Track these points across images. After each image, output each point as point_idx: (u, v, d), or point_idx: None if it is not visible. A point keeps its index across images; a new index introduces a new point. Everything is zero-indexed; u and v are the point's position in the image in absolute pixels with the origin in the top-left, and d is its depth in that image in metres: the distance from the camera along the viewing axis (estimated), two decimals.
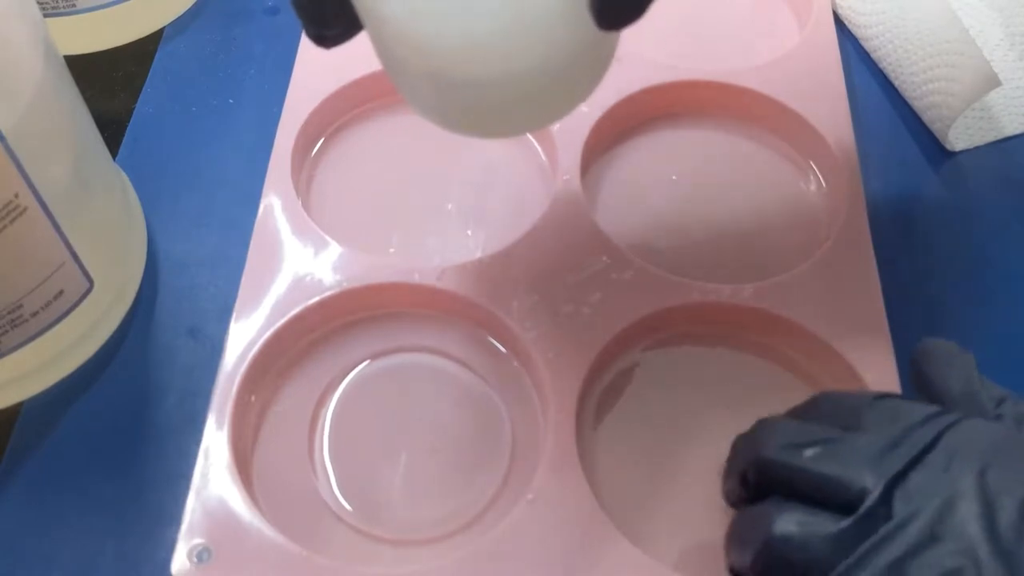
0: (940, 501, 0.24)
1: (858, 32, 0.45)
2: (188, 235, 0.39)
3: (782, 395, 0.34)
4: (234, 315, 0.34)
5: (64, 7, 0.42)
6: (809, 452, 0.26)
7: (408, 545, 0.32)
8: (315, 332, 0.35)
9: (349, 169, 0.40)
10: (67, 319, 0.33)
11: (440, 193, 0.39)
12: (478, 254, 0.36)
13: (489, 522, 0.32)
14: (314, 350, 0.35)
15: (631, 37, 0.42)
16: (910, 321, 0.37)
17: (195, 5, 0.47)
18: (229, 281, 0.36)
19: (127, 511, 0.33)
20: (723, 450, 0.33)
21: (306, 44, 0.42)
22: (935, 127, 0.42)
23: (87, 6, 0.42)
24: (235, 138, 0.42)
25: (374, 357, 0.35)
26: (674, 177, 0.40)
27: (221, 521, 0.30)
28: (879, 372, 0.33)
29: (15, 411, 0.35)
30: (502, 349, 0.35)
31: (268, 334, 0.34)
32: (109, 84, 0.44)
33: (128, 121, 0.43)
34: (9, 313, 0.31)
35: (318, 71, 0.41)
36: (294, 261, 0.36)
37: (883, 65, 0.44)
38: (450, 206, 0.39)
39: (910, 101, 0.43)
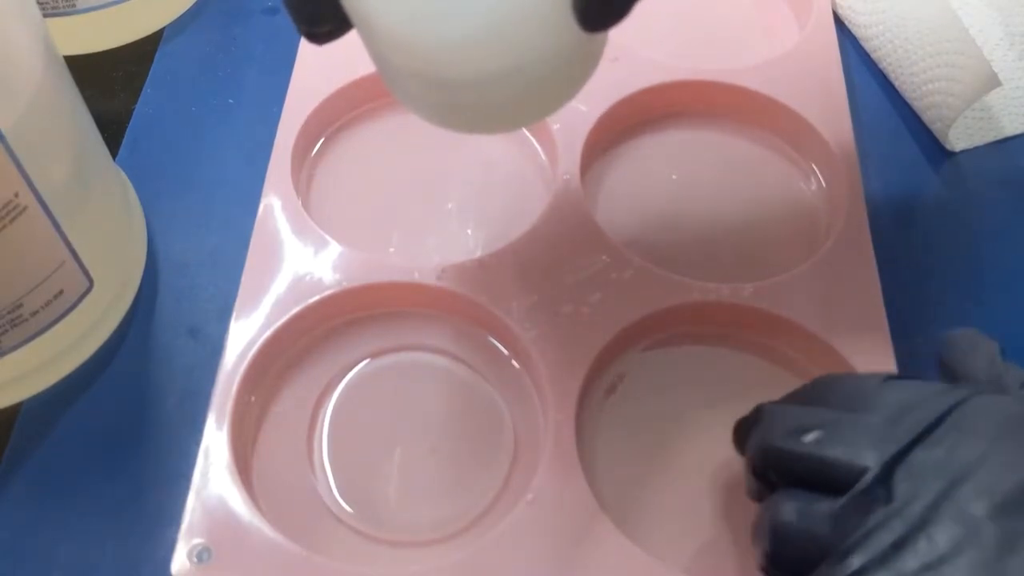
0: (943, 480, 0.23)
1: (858, 32, 0.45)
2: (188, 235, 0.39)
3: (782, 394, 0.35)
4: (234, 315, 0.34)
5: (64, 7, 0.42)
6: (811, 436, 0.26)
7: (408, 546, 0.32)
8: (315, 331, 0.35)
9: (349, 169, 0.40)
10: (67, 319, 0.33)
11: (440, 193, 0.39)
12: (478, 254, 0.36)
13: (490, 523, 0.32)
14: (314, 350, 0.35)
15: (631, 37, 0.43)
16: (910, 321, 0.37)
17: (195, 5, 0.47)
18: (229, 281, 0.36)
19: (127, 511, 0.33)
20: (723, 450, 0.33)
21: (306, 44, 0.42)
22: (935, 127, 0.42)
23: (87, 6, 0.42)
24: (235, 138, 0.42)
25: (374, 356, 0.35)
26: (674, 177, 0.40)
27: (221, 521, 0.30)
28: (879, 371, 0.33)
29: (15, 411, 0.35)
30: (502, 349, 0.35)
31: (268, 334, 0.34)
32: (109, 84, 0.44)
33: (128, 121, 0.43)
34: (9, 313, 0.31)
35: (318, 71, 0.41)
36: (294, 261, 0.36)
37: (883, 65, 0.44)
38: (450, 206, 0.39)
39: (910, 101, 0.43)
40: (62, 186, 0.31)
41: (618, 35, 0.42)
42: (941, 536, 0.23)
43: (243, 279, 0.35)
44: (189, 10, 0.47)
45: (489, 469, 0.33)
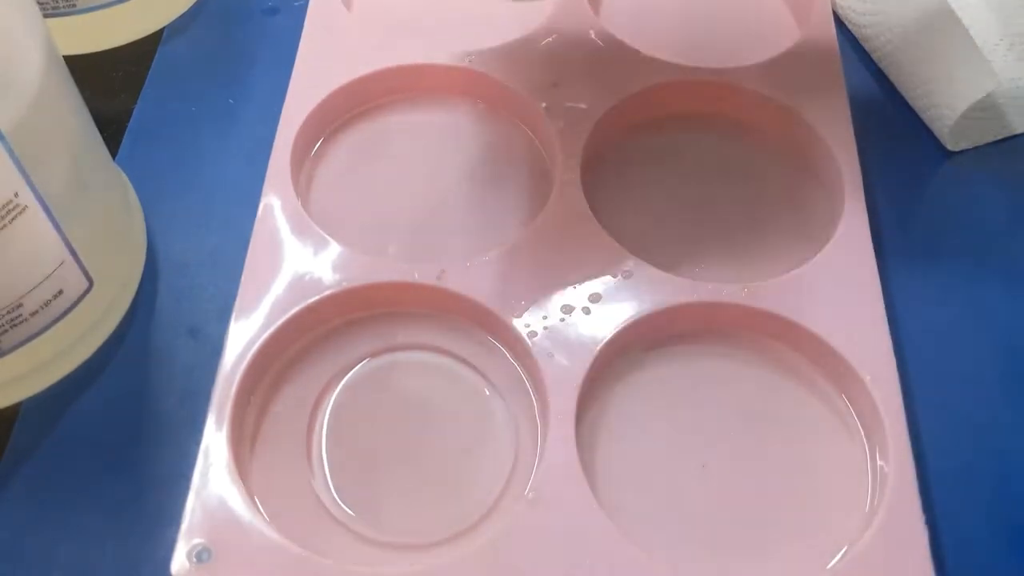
0: None
1: (858, 32, 0.46)
2: (188, 235, 0.39)
3: (782, 395, 0.35)
4: (234, 315, 0.34)
5: (64, 7, 0.42)
6: None
7: (409, 548, 0.32)
8: (315, 331, 0.35)
9: (349, 169, 0.40)
10: (66, 319, 0.33)
11: (440, 193, 0.39)
12: (478, 254, 0.36)
13: (490, 524, 0.32)
14: (314, 350, 0.35)
15: (632, 37, 0.43)
16: (910, 321, 0.37)
17: (195, 5, 0.47)
18: (229, 281, 0.36)
19: (127, 511, 0.33)
20: (723, 450, 0.33)
21: (306, 44, 0.42)
22: (935, 127, 0.42)
23: (87, 6, 0.42)
24: (235, 138, 0.42)
25: (373, 356, 0.35)
26: (674, 177, 0.40)
27: (221, 521, 0.30)
28: (879, 372, 0.33)
29: (14, 411, 0.35)
30: (502, 349, 0.35)
31: (268, 334, 0.34)
32: (109, 84, 0.44)
33: (128, 121, 0.43)
34: (8, 312, 0.31)
35: (318, 71, 0.41)
36: (294, 261, 0.36)
37: (883, 65, 0.44)
38: (450, 206, 0.39)
39: (910, 101, 0.43)
40: (62, 186, 0.31)
41: (618, 35, 0.42)
42: None
43: (243, 279, 0.35)
44: (189, 10, 0.46)
45: (489, 470, 0.33)
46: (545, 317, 0.34)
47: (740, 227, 0.39)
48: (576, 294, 0.35)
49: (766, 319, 0.35)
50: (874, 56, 0.45)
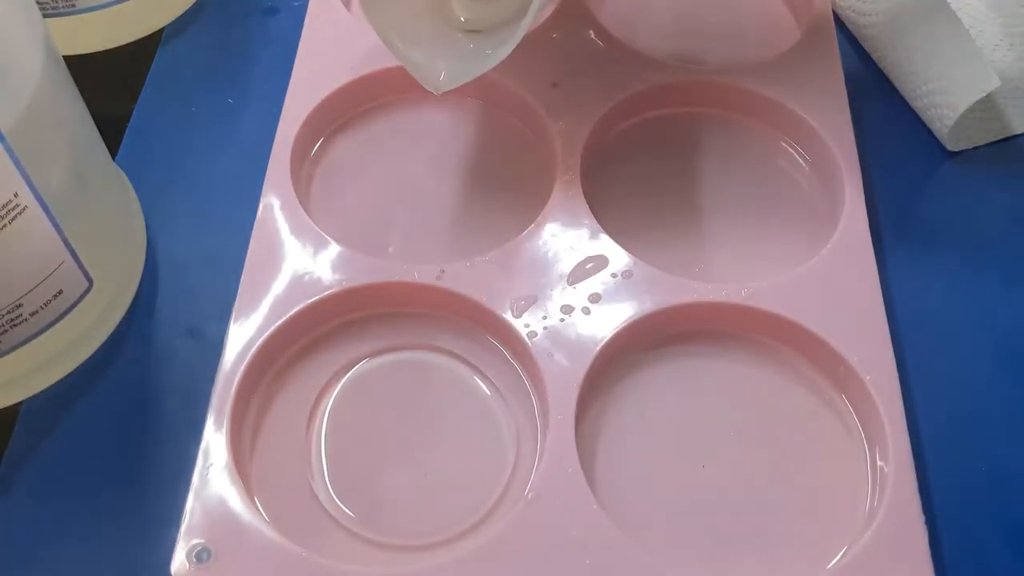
0: None
1: (858, 32, 0.45)
2: (188, 235, 0.39)
3: (782, 395, 0.35)
4: (234, 315, 0.34)
5: (64, 7, 0.42)
6: None
7: (408, 550, 0.32)
8: (315, 331, 0.35)
9: (349, 169, 0.40)
10: (66, 319, 0.33)
11: (440, 193, 0.39)
12: (478, 254, 0.36)
13: (490, 525, 0.32)
14: (313, 350, 0.35)
15: (632, 37, 0.43)
16: (910, 321, 0.37)
17: (195, 5, 0.47)
18: (229, 281, 0.36)
19: (127, 511, 0.33)
20: (723, 450, 0.33)
21: (306, 44, 0.42)
22: (935, 127, 0.42)
23: (87, 6, 0.42)
24: (235, 138, 0.42)
25: (373, 356, 0.35)
26: (674, 177, 0.40)
27: (221, 521, 0.30)
28: (879, 372, 0.33)
29: (14, 411, 0.35)
30: (502, 349, 0.35)
31: (267, 334, 0.34)
32: (109, 84, 0.44)
33: (128, 121, 0.43)
34: (8, 313, 0.31)
35: (318, 71, 0.41)
36: (294, 261, 0.36)
37: (883, 65, 0.44)
38: (450, 205, 0.39)
39: (910, 101, 0.43)
40: (62, 186, 0.31)
41: (618, 35, 0.42)
42: None
43: (243, 279, 0.35)
44: (189, 10, 0.46)
45: (489, 470, 0.33)
46: (545, 317, 0.34)
47: (740, 227, 0.39)
48: (576, 294, 0.35)
49: (766, 319, 0.35)
50: (874, 56, 0.45)
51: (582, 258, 0.36)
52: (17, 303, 0.31)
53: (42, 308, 0.32)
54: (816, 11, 0.44)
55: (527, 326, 0.34)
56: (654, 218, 0.39)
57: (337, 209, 0.39)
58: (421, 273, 0.35)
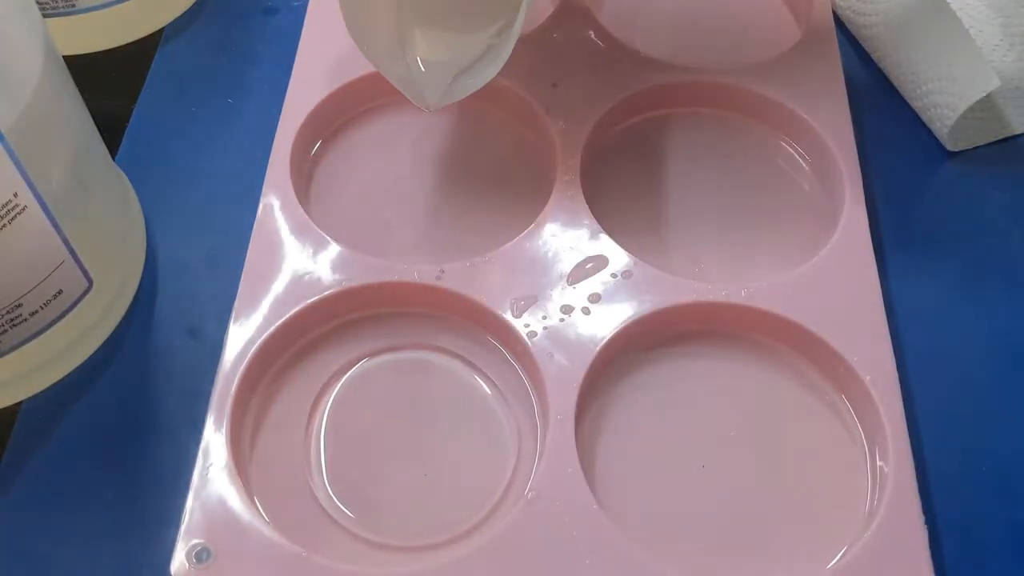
0: None
1: (858, 32, 0.46)
2: (188, 235, 0.39)
3: (782, 395, 0.35)
4: (233, 315, 0.34)
5: (64, 7, 0.42)
6: None
7: (408, 550, 0.32)
8: (315, 331, 0.35)
9: (349, 169, 0.40)
10: (66, 318, 0.33)
11: (440, 192, 0.39)
12: (478, 254, 0.36)
13: (490, 525, 0.32)
14: (313, 350, 0.35)
15: (632, 37, 0.43)
16: (910, 321, 0.37)
17: (195, 5, 0.47)
18: (229, 281, 0.36)
19: (126, 511, 0.33)
20: (723, 450, 0.33)
21: (306, 44, 0.42)
22: (935, 127, 0.42)
23: (87, 6, 0.42)
24: (235, 138, 0.42)
25: (373, 356, 0.35)
26: (674, 177, 0.40)
27: (220, 521, 0.30)
28: (879, 372, 0.33)
29: (14, 411, 0.35)
30: (502, 349, 0.35)
31: (267, 334, 0.34)
32: (109, 84, 0.44)
33: (128, 121, 0.43)
34: (8, 312, 0.31)
35: (318, 71, 0.41)
36: (294, 261, 0.36)
37: (883, 65, 0.44)
38: (450, 205, 0.39)
39: (910, 101, 0.43)
40: (62, 186, 0.31)
41: (618, 35, 0.42)
42: None
43: (243, 279, 0.35)
44: (189, 10, 0.47)
45: (489, 470, 0.33)
46: (545, 317, 0.34)
47: (740, 227, 0.39)
48: (576, 294, 0.35)
49: (766, 319, 0.35)
50: (874, 56, 0.45)
51: (582, 258, 0.36)
52: (17, 303, 0.31)
53: (42, 308, 0.32)
54: (816, 11, 0.44)
55: (527, 326, 0.34)
56: (654, 218, 0.39)
57: (337, 209, 0.39)
58: (421, 273, 0.35)
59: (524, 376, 0.34)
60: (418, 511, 0.32)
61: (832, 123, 0.40)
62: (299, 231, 0.36)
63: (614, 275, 0.35)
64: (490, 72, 0.35)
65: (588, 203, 0.37)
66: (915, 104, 0.43)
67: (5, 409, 0.35)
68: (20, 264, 0.31)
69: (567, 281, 0.35)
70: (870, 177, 0.40)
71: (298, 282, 0.35)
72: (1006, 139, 0.43)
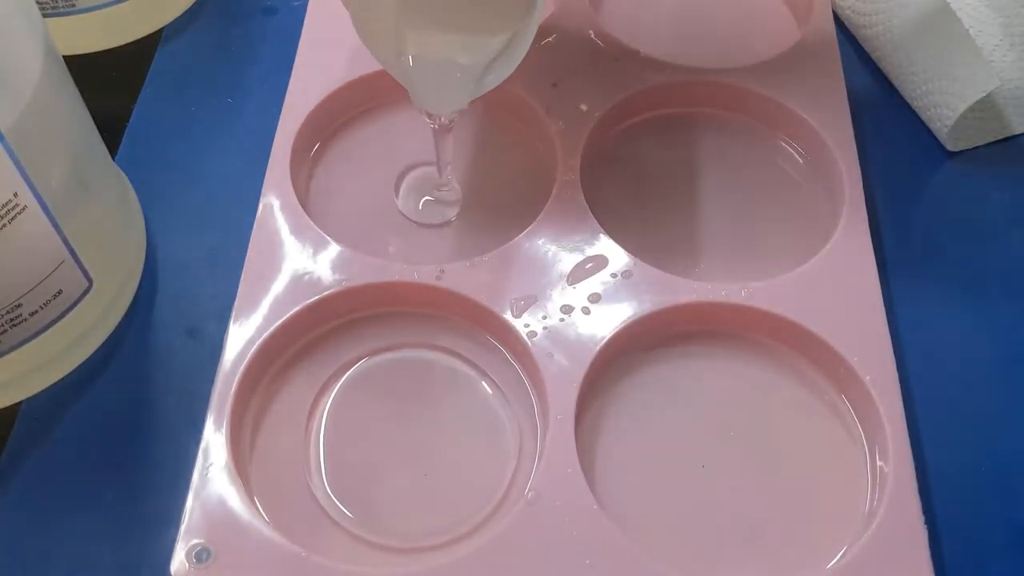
0: None
1: (858, 32, 0.46)
2: (188, 235, 0.39)
3: (782, 395, 0.35)
4: (233, 315, 0.34)
5: (64, 7, 0.42)
6: None
7: (408, 550, 0.32)
8: (314, 331, 0.35)
9: (349, 169, 0.40)
10: (66, 318, 0.33)
11: (440, 193, 0.39)
12: (478, 254, 0.36)
13: (491, 524, 0.32)
14: (313, 350, 0.35)
15: (632, 37, 0.43)
16: (910, 321, 0.37)
17: (195, 5, 0.47)
18: (229, 281, 0.36)
19: (126, 511, 0.33)
20: (722, 449, 0.33)
21: (306, 44, 0.42)
22: (935, 127, 0.42)
23: (87, 6, 0.42)
24: (235, 138, 0.42)
25: (373, 356, 0.35)
26: (674, 177, 0.40)
27: (220, 521, 0.30)
28: (879, 372, 0.33)
29: (14, 411, 0.35)
30: (502, 349, 0.35)
31: (267, 334, 0.34)
32: (109, 84, 0.44)
33: (128, 121, 0.43)
34: (8, 312, 0.31)
35: (318, 71, 0.41)
36: (293, 261, 0.36)
37: (883, 65, 0.44)
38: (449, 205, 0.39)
39: (910, 101, 0.43)
40: (62, 186, 0.31)
41: (618, 35, 0.42)
42: None
43: (242, 279, 0.35)
44: (189, 10, 0.47)
45: (490, 470, 0.33)
46: (545, 317, 0.34)
47: (740, 227, 0.39)
48: (576, 294, 0.35)
49: (766, 319, 0.35)
50: (874, 56, 0.45)
51: (582, 258, 0.36)
52: (17, 303, 0.31)
53: (42, 308, 0.32)
54: (816, 11, 0.44)
55: (527, 326, 0.34)
56: (654, 218, 0.39)
57: (337, 209, 0.39)
58: (421, 273, 0.35)
59: (524, 376, 0.34)
60: (418, 511, 0.32)
61: (832, 123, 0.40)
62: (299, 231, 0.36)
63: (614, 275, 0.35)
64: (502, 75, 0.35)
65: (588, 203, 0.37)
66: (915, 104, 0.43)
67: (5, 409, 0.35)
68: (20, 264, 0.31)
69: (567, 281, 0.35)
70: (870, 177, 0.40)
71: (298, 282, 0.35)
72: (1006, 139, 0.43)
